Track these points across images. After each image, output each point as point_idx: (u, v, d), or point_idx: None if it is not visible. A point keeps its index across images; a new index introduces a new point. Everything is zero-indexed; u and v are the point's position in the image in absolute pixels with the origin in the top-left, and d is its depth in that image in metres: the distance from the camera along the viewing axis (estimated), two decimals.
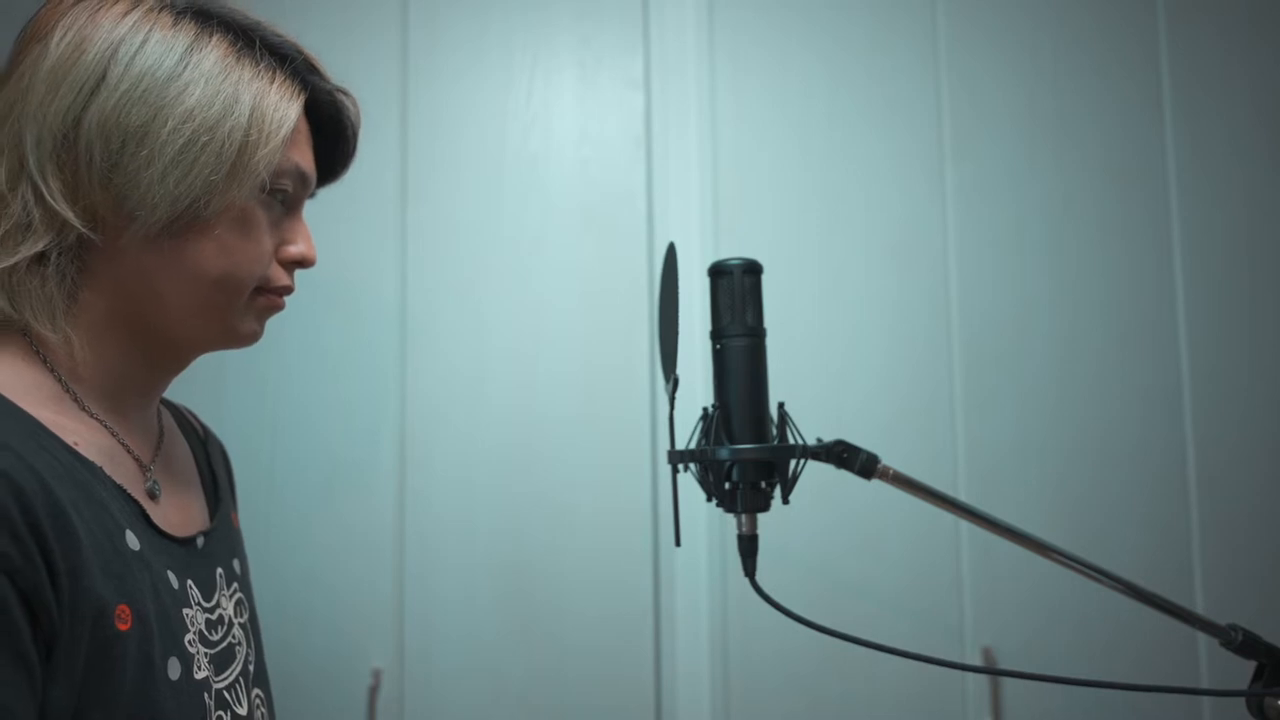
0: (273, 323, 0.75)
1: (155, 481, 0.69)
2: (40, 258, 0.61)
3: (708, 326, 0.68)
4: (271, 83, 0.66)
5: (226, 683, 0.67)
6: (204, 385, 1.04)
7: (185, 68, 0.63)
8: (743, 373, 0.66)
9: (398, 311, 1.17)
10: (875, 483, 0.66)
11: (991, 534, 0.67)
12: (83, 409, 0.64)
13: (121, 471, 0.64)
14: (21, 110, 0.61)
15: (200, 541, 0.71)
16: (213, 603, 0.69)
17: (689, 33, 1.22)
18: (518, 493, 1.14)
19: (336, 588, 1.13)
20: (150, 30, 0.63)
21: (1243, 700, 0.67)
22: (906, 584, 1.15)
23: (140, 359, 0.67)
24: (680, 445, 0.67)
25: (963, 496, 0.71)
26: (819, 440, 0.66)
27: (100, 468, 0.62)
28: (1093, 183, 1.21)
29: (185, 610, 0.65)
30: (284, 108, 0.66)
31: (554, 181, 1.20)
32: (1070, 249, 1.20)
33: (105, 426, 0.65)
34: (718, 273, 0.68)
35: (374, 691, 1.10)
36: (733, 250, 1.14)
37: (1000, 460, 1.17)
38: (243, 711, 0.68)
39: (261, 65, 0.67)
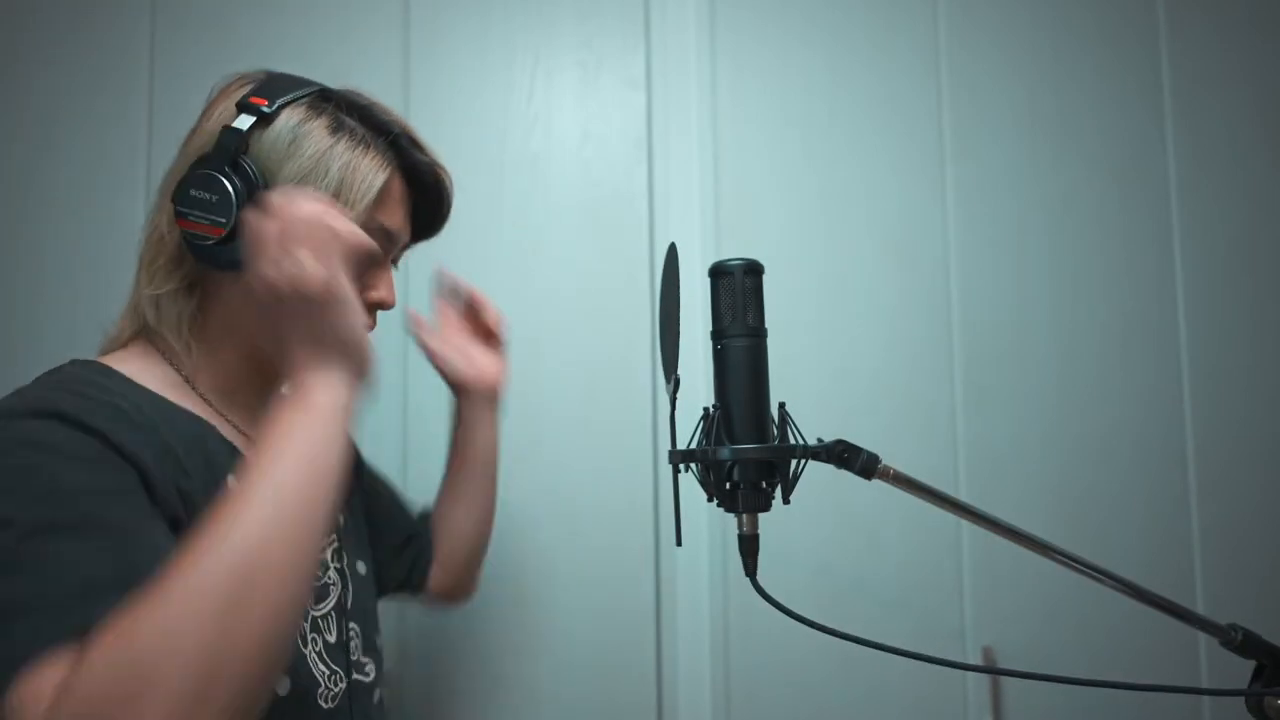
0: None
1: None
2: (184, 285, 0.75)
3: (708, 326, 0.68)
4: (364, 155, 0.75)
5: (321, 613, 0.77)
6: None
7: (287, 143, 0.73)
8: (744, 373, 0.66)
9: (399, 311, 1.17)
10: (876, 483, 0.66)
11: (991, 534, 0.67)
12: (201, 397, 0.75)
13: (232, 436, 0.76)
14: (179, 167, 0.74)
15: None
16: None
17: (690, 33, 1.22)
18: (519, 492, 1.14)
19: None
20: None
21: (1242, 700, 0.67)
22: (907, 584, 1.15)
23: (252, 368, 0.77)
24: (681, 445, 0.67)
25: (963, 496, 0.71)
26: (820, 440, 0.66)
27: (214, 426, 0.73)
28: (1093, 183, 1.21)
29: None
30: (370, 177, 0.76)
31: (555, 181, 1.20)
32: (1070, 249, 1.20)
33: (219, 412, 0.76)
34: (719, 273, 0.68)
35: None
36: (734, 250, 1.14)
37: (1000, 460, 1.17)
38: (332, 639, 0.77)
39: (357, 140, 0.76)
